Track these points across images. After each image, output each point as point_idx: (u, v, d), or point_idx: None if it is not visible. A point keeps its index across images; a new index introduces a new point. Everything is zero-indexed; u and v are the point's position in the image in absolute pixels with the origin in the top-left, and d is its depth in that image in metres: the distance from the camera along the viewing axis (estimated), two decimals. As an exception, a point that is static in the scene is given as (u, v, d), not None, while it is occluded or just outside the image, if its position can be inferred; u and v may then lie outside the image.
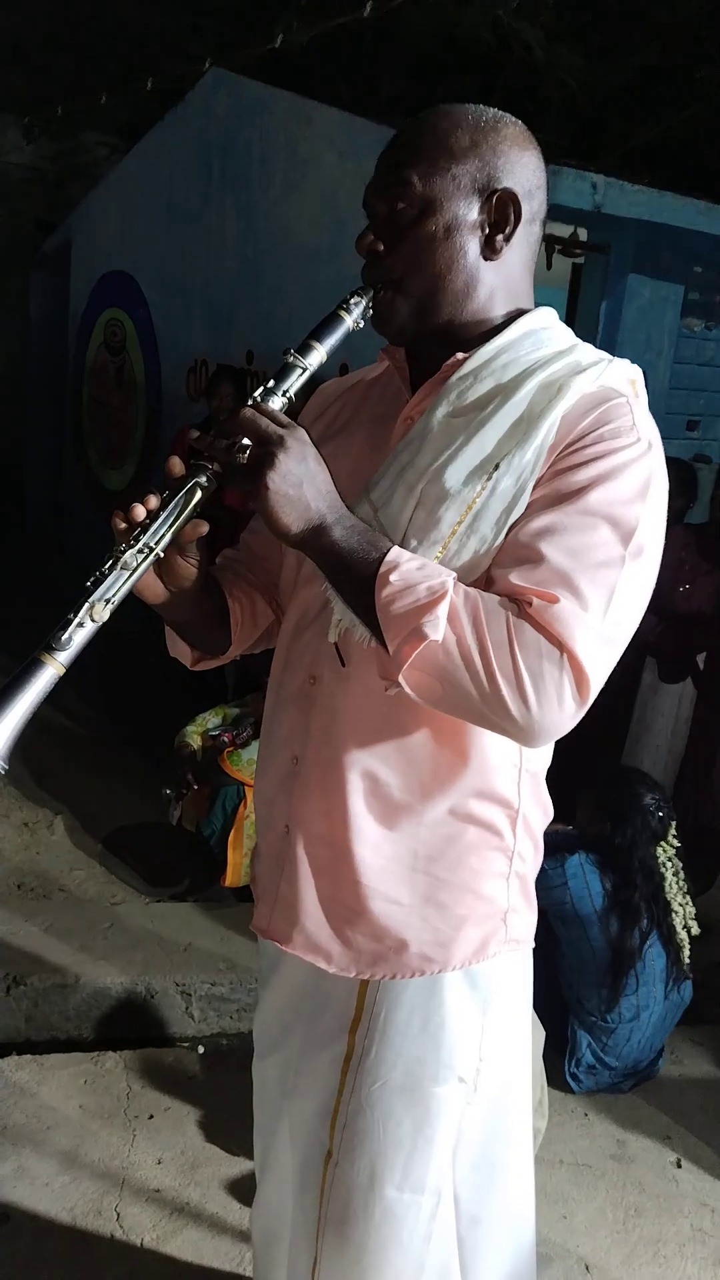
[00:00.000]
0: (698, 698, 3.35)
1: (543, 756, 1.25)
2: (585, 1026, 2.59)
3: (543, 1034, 2.24)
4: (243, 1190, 2.14)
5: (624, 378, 1.13)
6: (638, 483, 1.05)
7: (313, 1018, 1.31)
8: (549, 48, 5.98)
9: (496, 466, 1.07)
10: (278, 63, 5.38)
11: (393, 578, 1.02)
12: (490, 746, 1.16)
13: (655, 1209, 2.27)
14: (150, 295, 5.94)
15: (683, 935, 2.61)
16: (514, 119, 1.17)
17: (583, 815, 2.69)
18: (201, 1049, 2.67)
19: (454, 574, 1.05)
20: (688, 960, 2.63)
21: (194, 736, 3.34)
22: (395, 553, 1.04)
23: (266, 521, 1.04)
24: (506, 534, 1.06)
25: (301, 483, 1.02)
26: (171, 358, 5.76)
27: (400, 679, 1.03)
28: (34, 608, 3.33)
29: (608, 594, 1.02)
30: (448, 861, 1.19)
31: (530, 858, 1.27)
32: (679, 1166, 2.41)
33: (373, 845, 1.18)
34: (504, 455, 1.07)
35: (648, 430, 1.08)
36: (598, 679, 1.03)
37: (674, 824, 2.69)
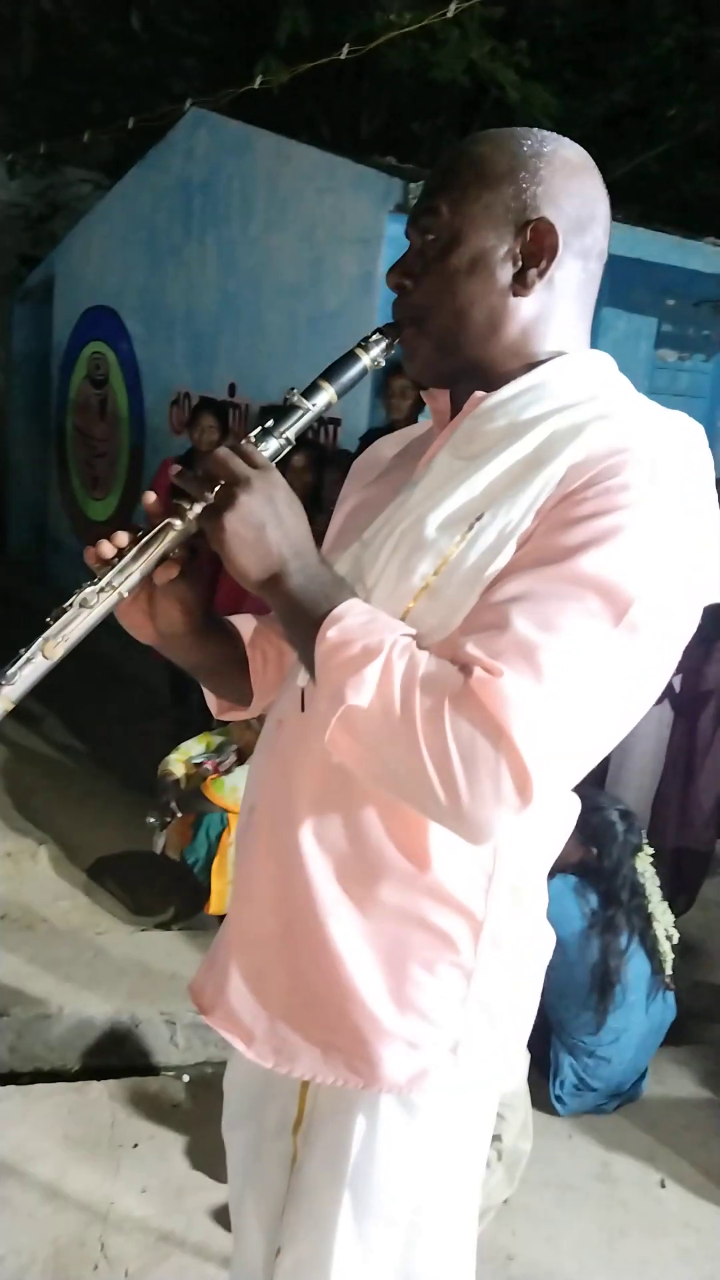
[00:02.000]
0: (674, 719, 3.39)
1: (529, 867, 1.07)
2: (568, 1049, 2.61)
3: (526, 1057, 2.26)
4: (228, 1218, 2.13)
5: (661, 429, 0.95)
6: (643, 548, 0.87)
7: (264, 1106, 1.20)
8: (523, 87, 6.13)
9: (480, 517, 0.95)
10: (257, 102, 5.50)
11: (330, 632, 0.92)
12: (453, 841, 0.96)
13: (641, 1229, 2.28)
14: (133, 329, 6.02)
15: (665, 944, 2.65)
16: (570, 143, 1.05)
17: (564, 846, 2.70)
18: (186, 1077, 2.66)
19: (408, 631, 0.94)
20: (669, 971, 2.67)
21: (178, 764, 3.36)
22: (347, 605, 0.94)
23: (225, 563, 0.97)
24: (483, 593, 0.93)
25: (264, 525, 0.95)
26: (154, 390, 5.83)
27: (326, 743, 0.92)
28: (16, 637, 3.36)
29: (576, 676, 0.86)
30: (390, 964, 1.03)
31: (502, 985, 1.07)
32: (664, 1187, 2.41)
33: (317, 925, 1.03)
34: (491, 505, 0.95)
35: (677, 491, 0.90)
36: (544, 776, 0.85)
37: (643, 831, 2.73)
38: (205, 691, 1.28)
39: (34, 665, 0.95)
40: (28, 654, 0.95)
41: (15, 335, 7.52)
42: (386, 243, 4.13)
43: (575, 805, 1.11)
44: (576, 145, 1.05)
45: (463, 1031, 1.05)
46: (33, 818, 3.73)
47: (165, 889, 3.29)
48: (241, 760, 3.32)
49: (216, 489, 0.96)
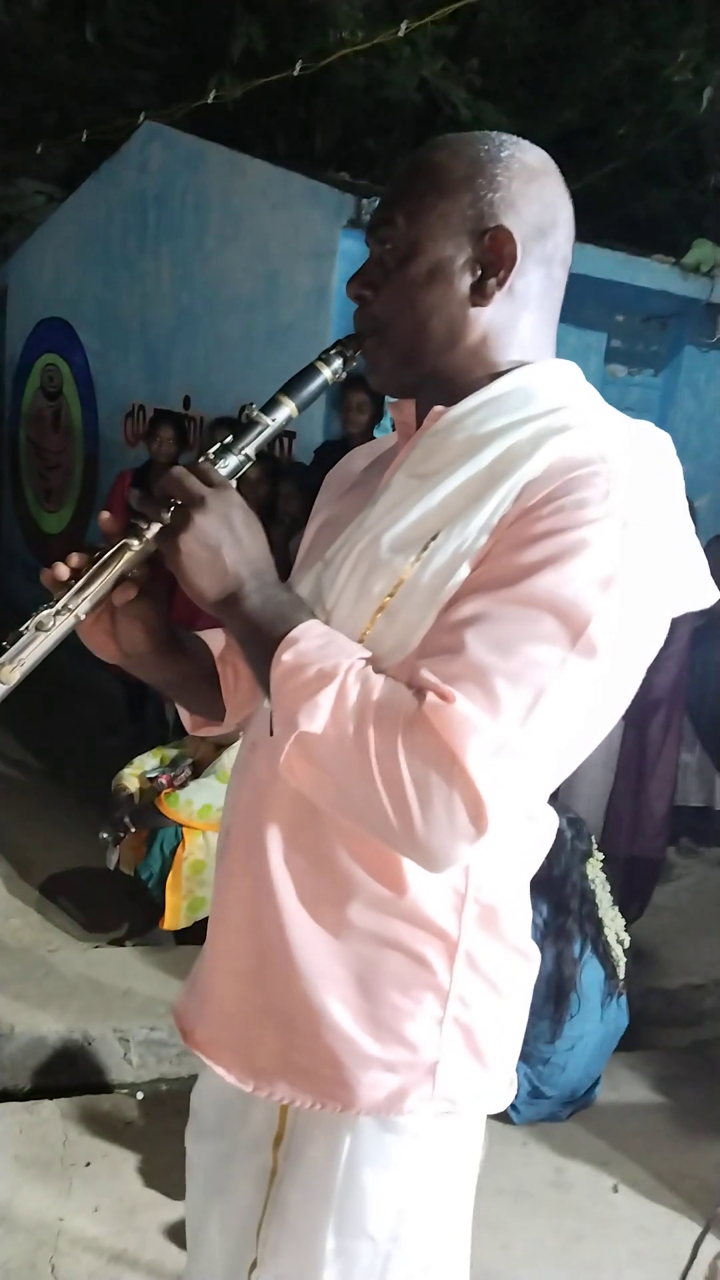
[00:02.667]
0: (624, 729, 3.44)
1: (503, 885, 1.04)
2: (523, 1057, 2.61)
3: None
4: (182, 1235, 2.10)
5: (624, 441, 0.93)
6: (599, 567, 0.85)
7: (241, 1121, 1.18)
8: (474, 105, 6.21)
9: (434, 536, 0.93)
10: (212, 117, 5.52)
11: (285, 655, 0.91)
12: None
13: (595, 1234, 2.30)
14: (87, 341, 5.99)
15: (617, 949, 2.68)
16: (529, 146, 1.02)
17: None
18: (140, 1094, 2.64)
19: (364, 655, 0.92)
20: (622, 975, 2.70)
21: (131, 779, 3.34)
22: (303, 627, 0.93)
23: (181, 584, 0.96)
24: (438, 614, 0.91)
25: (220, 546, 0.93)
26: (108, 402, 5.81)
27: (280, 769, 0.91)
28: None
29: (531, 699, 0.84)
30: (363, 987, 1.02)
31: (483, 1006, 1.05)
32: (616, 1191, 2.44)
33: (288, 949, 1.03)
34: (446, 524, 0.93)
35: (643, 507, 0.88)
36: (498, 803, 0.83)
37: (593, 838, 2.76)
38: (178, 707, 1.27)
39: None
40: None
41: (-32, 347, 7.45)
42: (340, 257, 4.16)
43: (551, 820, 1.09)
44: (537, 149, 1.03)
45: (440, 1053, 1.04)
46: (-16, 834, 3.68)
47: (119, 905, 3.26)
48: (196, 774, 3.31)
49: (172, 509, 0.94)
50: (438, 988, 1.02)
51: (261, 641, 0.93)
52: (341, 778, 0.88)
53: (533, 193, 1.00)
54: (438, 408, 1.01)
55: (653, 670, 3.18)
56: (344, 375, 1.06)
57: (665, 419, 5.20)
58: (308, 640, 0.91)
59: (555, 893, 2.64)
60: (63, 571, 0.98)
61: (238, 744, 3.39)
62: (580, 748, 0.90)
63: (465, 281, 0.99)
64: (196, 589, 0.95)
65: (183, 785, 3.24)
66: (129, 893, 3.24)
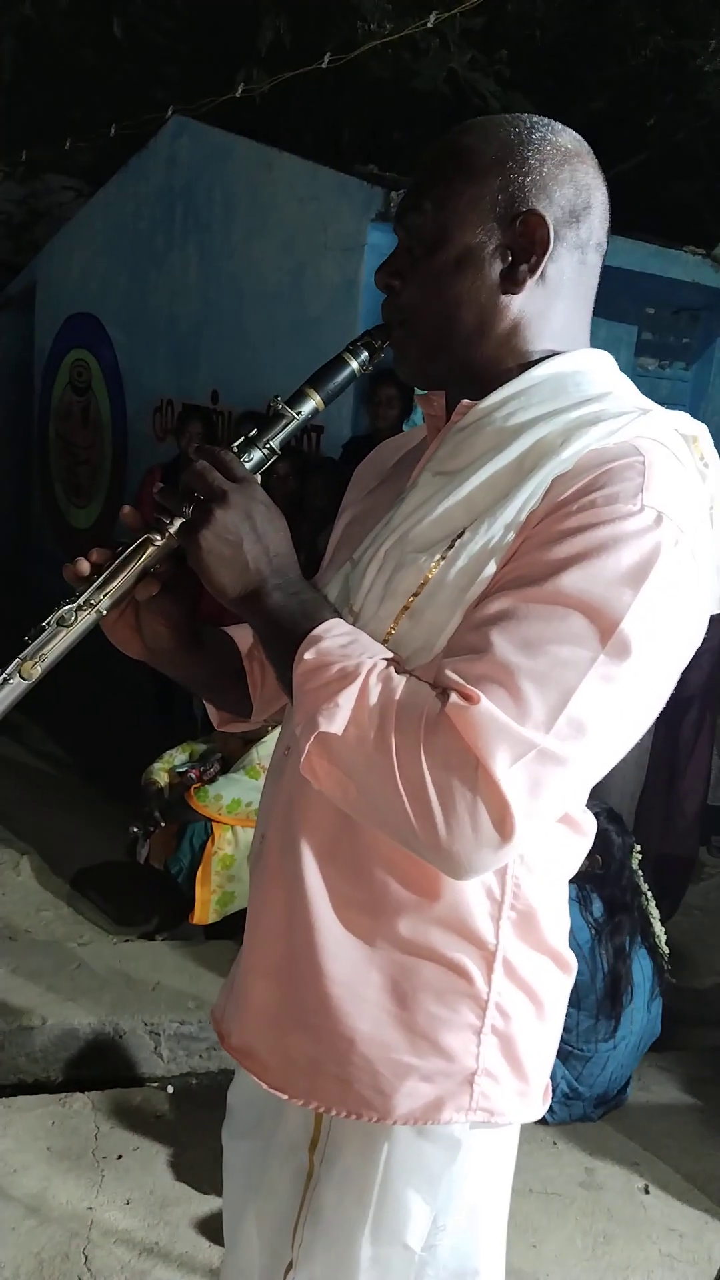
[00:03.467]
0: (656, 725, 3.41)
1: (541, 891, 1.02)
2: (561, 1056, 2.61)
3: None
4: (213, 1228, 2.13)
5: (658, 433, 0.89)
6: (632, 563, 0.82)
7: (276, 1122, 1.17)
8: (503, 96, 6.16)
9: (460, 534, 0.91)
10: (239, 110, 5.51)
11: (307, 654, 0.88)
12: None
13: (624, 1236, 2.29)
14: (115, 336, 6.01)
15: (664, 947, 2.68)
16: (562, 128, 0.98)
17: None
18: (170, 1088, 2.65)
19: (388, 654, 0.90)
20: (668, 967, 2.69)
21: (161, 773, 3.35)
22: (327, 625, 0.90)
23: (202, 580, 0.94)
24: (465, 613, 0.89)
25: (241, 541, 0.91)
26: (137, 398, 5.83)
27: (301, 770, 0.88)
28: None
29: (559, 701, 0.81)
30: (398, 995, 1.00)
31: (521, 1016, 1.03)
32: (647, 1193, 2.42)
33: (323, 956, 1.01)
34: (473, 521, 0.91)
35: (676, 502, 0.84)
36: (524, 808, 0.80)
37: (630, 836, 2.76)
38: (205, 703, 1.26)
39: (11, 686, 0.92)
40: (4, 674, 0.92)
41: (-3, 343, 7.50)
42: (368, 251, 4.14)
43: (590, 823, 1.06)
44: (570, 130, 0.99)
45: (478, 1063, 1.02)
46: (15, 828, 3.71)
47: (149, 899, 3.28)
48: (225, 769, 3.32)
49: (194, 504, 0.93)
50: (475, 996, 1.00)
51: (283, 639, 0.91)
52: (363, 780, 0.86)
53: (565, 175, 0.96)
54: (465, 401, 0.98)
55: (686, 667, 3.15)
56: (371, 367, 1.03)
57: (696, 412, 5.11)
58: (330, 639, 0.89)
59: (609, 889, 2.64)
60: (84, 567, 0.97)
61: (267, 739, 3.40)
62: (613, 750, 0.87)
63: (496, 268, 0.96)
64: (217, 585, 0.93)
65: (212, 780, 3.24)
66: (159, 887, 3.25)
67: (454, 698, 0.81)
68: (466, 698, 0.81)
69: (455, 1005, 1.00)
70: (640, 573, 0.82)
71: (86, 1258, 2.06)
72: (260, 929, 1.09)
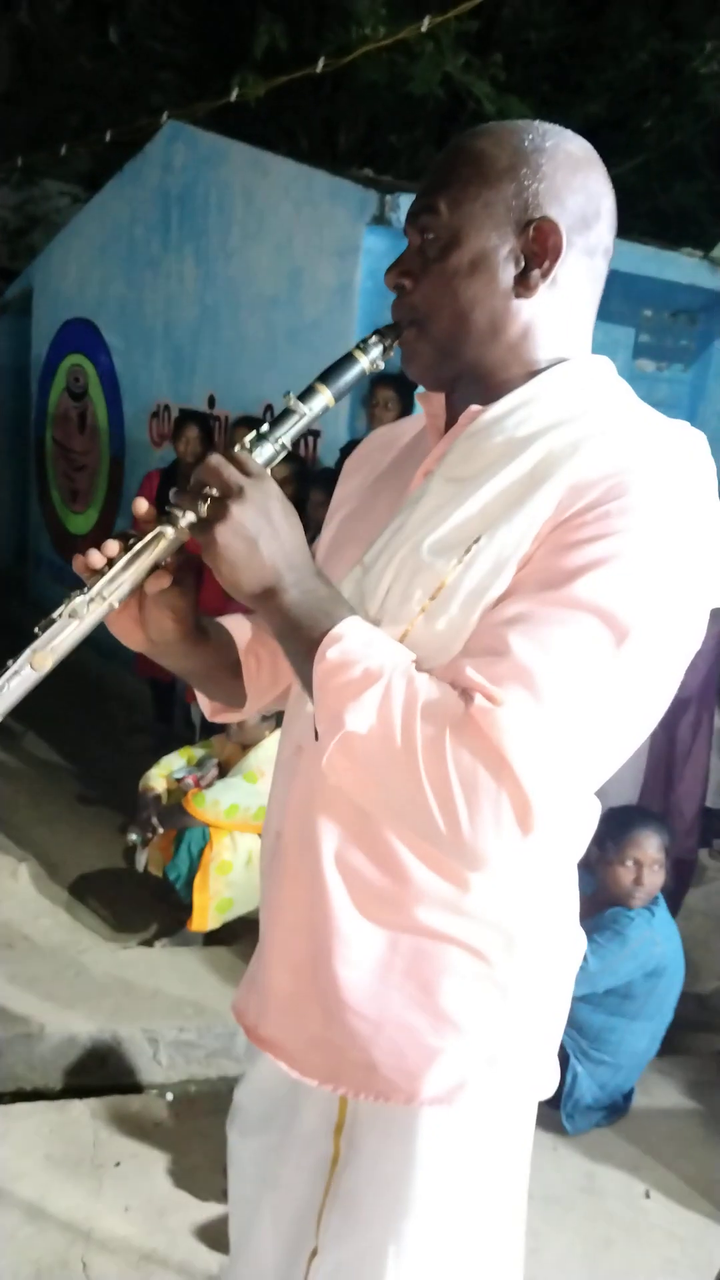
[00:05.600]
0: (654, 728, 3.40)
1: (555, 874, 1.06)
2: (592, 1062, 2.58)
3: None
4: (212, 1235, 2.12)
5: (663, 444, 0.92)
6: (646, 570, 0.86)
7: (296, 1112, 1.19)
8: (498, 100, 6.17)
9: (477, 540, 0.93)
10: (235, 115, 5.52)
11: (330, 653, 0.90)
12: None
13: (625, 1240, 2.28)
14: (112, 341, 6.01)
15: None
16: (573, 136, 1.01)
17: (661, 876, 2.65)
18: (170, 1095, 2.65)
19: (410, 655, 0.92)
20: None
21: (158, 779, 3.34)
22: (347, 624, 0.92)
23: (217, 576, 0.95)
24: (482, 616, 0.92)
25: (257, 538, 0.92)
26: (134, 402, 5.83)
27: (324, 767, 0.91)
28: (-4, 653, 3.31)
29: (577, 700, 0.85)
30: (421, 980, 1.03)
31: (538, 995, 1.07)
32: (648, 1197, 2.41)
33: (345, 947, 1.04)
34: (488, 527, 0.93)
35: (677, 510, 0.89)
36: (545, 803, 0.84)
37: None
38: (198, 693, 1.27)
39: (22, 678, 0.93)
40: (15, 666, 0.93)
41: (-6, 348, 7.50)
42: (365, 254, 4.14)
43: (595, 805, 1.10)
44: (579, 138, 1.01)
45: (499, 1043, 1.05)
46: (13, 835, 3.70)
47: (147, 906, 3.27)
48: (223, 775, 3.31)
49: (209, 499, 0.93)
50: (494, 979, 1.04)
51: (302, 637, 0.93)
52: (386, 777, 0.88)
53: (577, 183, 0.99)
54: (474, 407, 1.00)
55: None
56: (381, 365, 1.04)
57: (695, 414, 5.14)
58: (351, 638, 0.91)
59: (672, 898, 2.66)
60: (97, 559, 0.97)
61: (265, 744, 3.39)
62: (625, 747, 0.90)
63: (509, 273, 0.98)
64: (232, 582, 0.94)
65: (209, 785, 3.24)
66: (157, 893, 3.25)
67: (479, 699, 0.85)
68: (490, 699, 0.84)
69: (476, 987, 1.03)
70: (650, 578, 0.86)
71: (85, 1265, 2.05)
72: (280, 923, 1.11)
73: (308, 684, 0.93)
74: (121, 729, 4.82)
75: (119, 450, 5.98)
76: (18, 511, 7.39)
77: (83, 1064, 2.69)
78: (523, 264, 0.98)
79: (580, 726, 0.85)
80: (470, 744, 0.84)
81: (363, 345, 1.02)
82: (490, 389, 1.01)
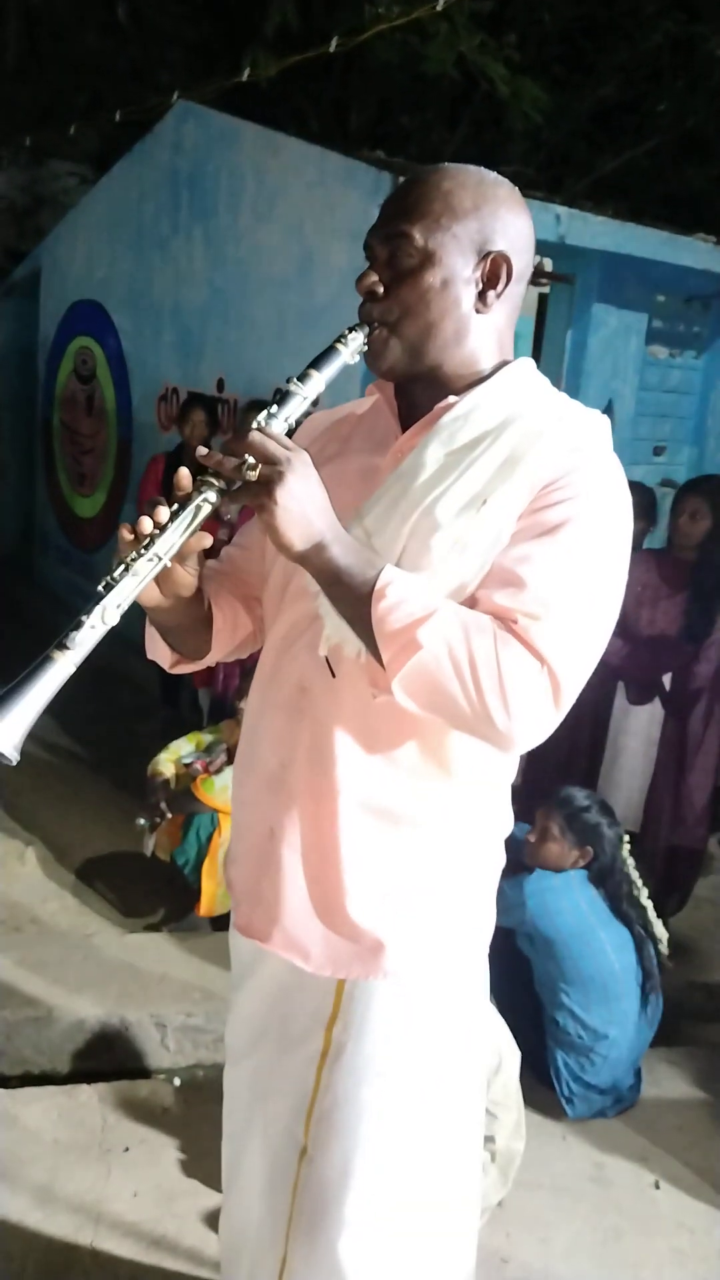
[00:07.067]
0: (665, 718, 3.38)
1: (510, 772, 1.37)
2: (561, 1045, 2.60)
3: (518, 1055, 2.24)
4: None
5: (595, 426, 1.25)
6: (605, 520, 1.18)
7: (287, 1018, 1.37)
8: (512, 80, 6.10)
9: (484, 502, 1.17)
10: (246, 95, 5.46)
11: (389, 592, 1.11)
12: (470, 762, 1.26)
13: (634, 1231, 2.27)
14: (120, 323, 5.97)
15: (659, 929, 2.68)
16: (510, 184, 1.27)
17: (554, 848, 2.67)
18: (178, 1080, 2.64)
19: (439, 593, 1.15)
20: (667, 952, 2.68)
21: (167, 764, 3.33)
22: (390, 571, 1.13)
23: (272, 536, 1.11)
24: (490, 562, 1.16)
25: (306, 502, 1.10)
26: (142, 385, 5.78)
27: (393, 687, 1.12)
28: (4, 634, 3.31)
29: (581, 615, 1.14)
30: (425, 868, 1.28)
31: (498, 869, 1.38)
32: (657, 1188, 2.41)
33: (358, 850, 1.26)
34: (492, 493, 1.17)
35: (613, 472, 1.21)
36: (572, 692, 1.14)
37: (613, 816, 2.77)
38: (158, 648, 1.41)
39: (95, 631, 1.06)
40: (88, 620, 1.06)
41: (1, 330, 7.45)
42: (376, 237, 4.09)
43: (515, 759, 1.36)
44: (513, 185, 1.28)
45: (481, 912, 1.36)
46: (21, 819, 3.70)
47: (155, 891, 3.27)
48: (231, 760, 3.30)
49: (260, 469, 1.08)
50: (479, 861, 1.34)
51: (352, 585, 1.12)
52: (449, 687, 1.10)
53: (520, 222, 1.26)
54: (450, 399, 1.24)
55: (693, 659, 3.19)
56: (358, 359, 1.23)
57: (706, 401, 5.10)
58: (400, 581, 1.13)
59: (607, 881, 2.63)
60: (147, 525, 1.12)
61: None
62: (603, 643, 1.19)
63: (471, 292, 1.24)
64: (285, 540, 1.11)
65: (218, 771, 3.22)
66: (165, 878, 3.24)
67: (521, 619, 1.11)
68: (530, 617, 1.11)
69: (466, 869, 1.32)
70: (610, 525, 1.19)
71: (94, 1250, 2.05)
72: (289, 842, 1.30)
73: (361, 621, 1.12)
74: (130, 713, 4.81)
75: (127, 433, 5.94)
76: (24, 495, 7.35)
77: (91, 1048, 2.69)
78: (481, 286, 1.24)
79: (582, 630, 1.14)
80: (516, 651, 1.10)
81: (342, 339, 1.22)
82: (442, 384, 1.25)
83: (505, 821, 1.39)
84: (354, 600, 1.13)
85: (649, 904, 2.71)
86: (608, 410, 4.45)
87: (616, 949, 2.59)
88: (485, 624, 1.11)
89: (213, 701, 4.31)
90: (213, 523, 1.17)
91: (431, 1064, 1.34)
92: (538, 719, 1.12)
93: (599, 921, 2.60)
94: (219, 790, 3.10)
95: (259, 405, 4.14)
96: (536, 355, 4.68)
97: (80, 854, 3.50)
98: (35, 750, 4.29)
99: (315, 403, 1.24)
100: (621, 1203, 2.35)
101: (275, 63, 5.24)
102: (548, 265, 4.49)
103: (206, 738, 3.46)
